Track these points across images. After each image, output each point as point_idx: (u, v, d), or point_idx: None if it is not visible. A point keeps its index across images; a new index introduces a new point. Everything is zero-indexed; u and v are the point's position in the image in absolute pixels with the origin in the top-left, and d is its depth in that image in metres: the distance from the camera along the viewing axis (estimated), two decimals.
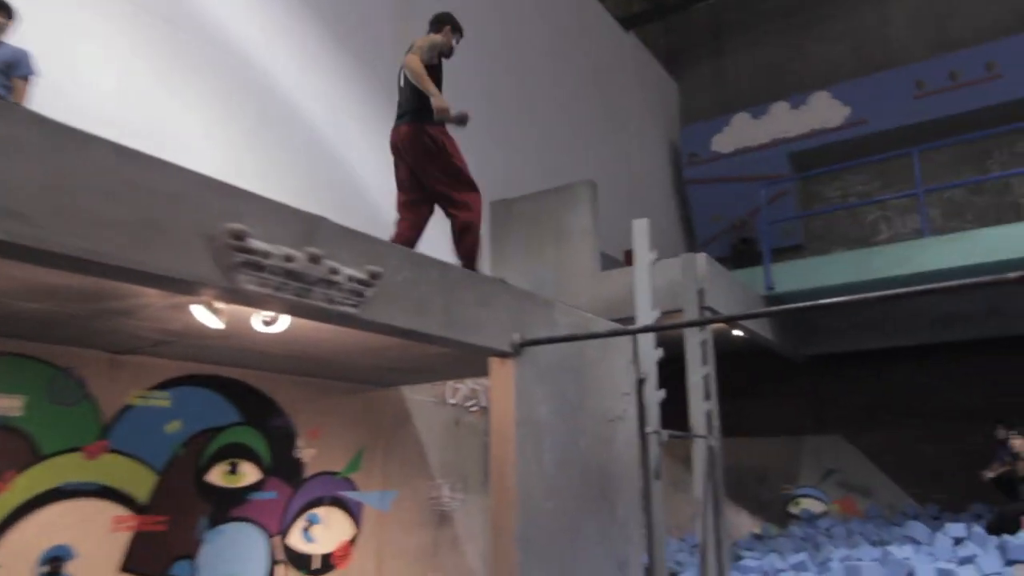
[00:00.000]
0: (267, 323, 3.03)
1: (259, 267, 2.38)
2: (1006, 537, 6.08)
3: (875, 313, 9.13)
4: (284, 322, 3.02)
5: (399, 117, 4.47)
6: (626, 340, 4.98)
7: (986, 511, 8.59)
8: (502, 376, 3.74)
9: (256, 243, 2.36)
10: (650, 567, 5.04)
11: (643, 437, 5.05)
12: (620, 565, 4.56)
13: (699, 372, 5.94)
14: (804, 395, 11.05)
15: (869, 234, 12.09)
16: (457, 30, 4.60)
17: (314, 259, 2.55)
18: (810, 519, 9.77)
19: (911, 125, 11.34)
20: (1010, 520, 6.62)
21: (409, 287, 3.02)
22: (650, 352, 5.30)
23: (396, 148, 4.49)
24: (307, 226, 2.63)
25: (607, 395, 4.70)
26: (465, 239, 4.43)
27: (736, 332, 7.71)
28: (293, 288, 2.49)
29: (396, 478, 6.12)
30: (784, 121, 12.44)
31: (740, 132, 12.80)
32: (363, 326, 2.84)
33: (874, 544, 7.46)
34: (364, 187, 6.39)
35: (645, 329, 4.71)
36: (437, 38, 4.44)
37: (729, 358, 8.61)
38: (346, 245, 2.76)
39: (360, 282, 2.72)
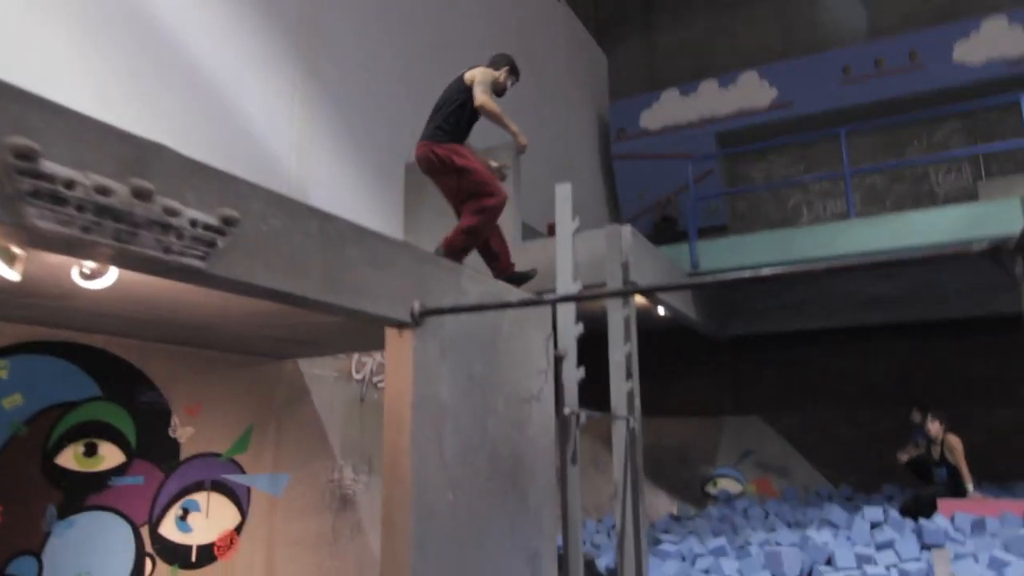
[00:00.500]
0: (87, 276, 2.44)
1: (58, 199, 1.81)
2: (922, 521, 6.03)
3: (797, 295, 9.07)
4: (111, 275, 2.43)
5: (422, 135, 4.49)
6: (544, 314, 4.55)
7: (897, 492, 8.67)
8: (398, 349, 3.25)
9: (52, 167, 1.79)
10: (564, 554, 4.71)
11: (560, 418, 4.68)
12: (531, 558, 4.17)
13: (621, 350, 5.63)
14: (725, 375, 11.01)
15: (792, 217, 12.12)
16: (514, 73, 4.76)
17: (141, 194, 1.98)
18: (727, 500, 9.70)
19: (836, 109, 11.33)
20: (926, 503, 6.61)
21: (278, 239, 2.47)
22: (570, 327, 4.92)
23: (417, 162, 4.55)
24: (136, 152, 2.05)
25: (521, 374, 4.26)
26: (461, 230, 4.37)
27: (660, 310, 7.45)
28: (110, 230, 1.92)
29: (291, 460, 5.56)
30: (712, 100, 12.29)
31: (669, 109, 12.59)
32: (214, 284, 2.29)
33: (791, 527, 7.36)
34: (256, 133, 5.73)
35: (563, 299, 4.30)
36: (493, 74, 4.51)
37: (651, 337, 8.38)
38: (192, 182, 2.19)
39: (209, 228, 2.17)
